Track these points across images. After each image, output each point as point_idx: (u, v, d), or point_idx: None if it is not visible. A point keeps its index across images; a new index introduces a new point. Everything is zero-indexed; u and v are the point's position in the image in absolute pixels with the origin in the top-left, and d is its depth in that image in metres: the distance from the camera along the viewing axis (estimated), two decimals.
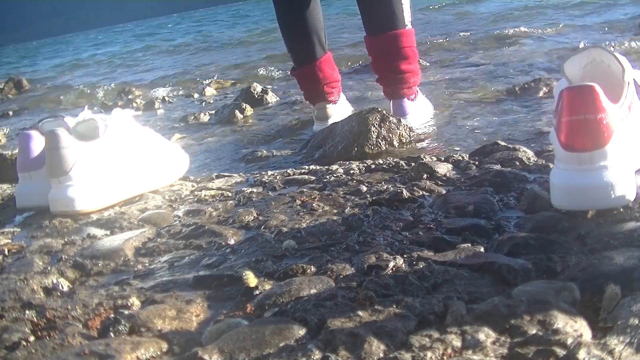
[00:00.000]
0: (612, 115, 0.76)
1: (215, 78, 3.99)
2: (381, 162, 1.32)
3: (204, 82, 3.89)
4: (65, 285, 0.82)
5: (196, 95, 3.52)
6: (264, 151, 1.84)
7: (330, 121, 1.94)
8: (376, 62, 1.94)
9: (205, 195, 1.21)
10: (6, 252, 0.98)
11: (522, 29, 3.94)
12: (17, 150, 1.41)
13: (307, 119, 2.29)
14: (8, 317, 0.71)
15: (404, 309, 0.60)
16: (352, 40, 4.72)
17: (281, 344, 0.57)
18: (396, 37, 1.83)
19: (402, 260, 0.74)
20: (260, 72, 3.94)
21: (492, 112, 1.95)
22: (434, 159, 1.28)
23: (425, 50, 3.64)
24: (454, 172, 1.17)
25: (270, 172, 1.38)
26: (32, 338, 0.65)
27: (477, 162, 1.21)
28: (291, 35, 1.99)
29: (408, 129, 1.71)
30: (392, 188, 1.08)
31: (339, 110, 2.04)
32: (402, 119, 1.73)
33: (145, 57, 7.37)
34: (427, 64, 3.15)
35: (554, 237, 0.76)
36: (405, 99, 1.90)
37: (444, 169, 1.17)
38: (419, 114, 1.94)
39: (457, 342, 0.54)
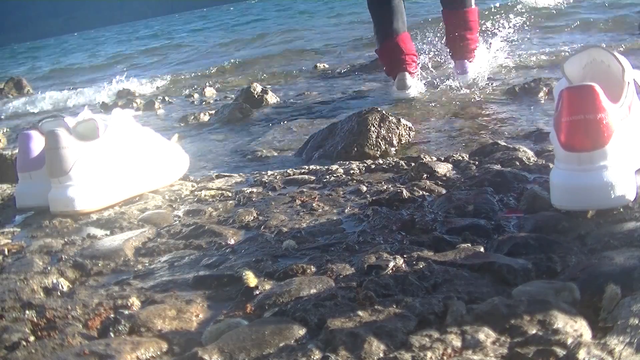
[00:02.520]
0: (612, 115, 0.76)
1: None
2: (381, 162, 1.32)
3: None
4: (65, 285, 0.82)
5: (196, 96, 3.52)
6: (264, 151, 1.85)
7: (410, 91, 2.40)
8: (450, 30, 2.60)
9: (205, 195, 1.21)
10: (6, 252, 0.98)
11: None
12: (17, 150, 1.41)
13: (307, 119, 2.29)
14: (8, 317, 0.71)
15: (404, 309, 0.60)
16: (353, 42, 4.71)
17: (281, 344, 0.57)
18: (468, 13, 2.55)
19: (402, 260, 0.74)
20: None
21: (492, 112, 1.95)
22: (434, 159, 1.28)
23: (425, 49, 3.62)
24: (454, 172, 1.17)
25: (270, 172, 1.38)
26: (32, 338, 0.65)
27: (477, 162, 1.21)
28: (380, 12, 2.48)
29: (408, 129, 1.71)
30: (392, 188, 1.08)
31: (416, 83, 2.46)
32: (461, 80, 2.47)
33: None
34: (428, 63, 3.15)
35: (554, 237, 0.76)
36: (466, 61, 2.59)
37: (444, 169, 1.17)
38: (474, 71, 2.59)
39: (457, 342, 0.54)
